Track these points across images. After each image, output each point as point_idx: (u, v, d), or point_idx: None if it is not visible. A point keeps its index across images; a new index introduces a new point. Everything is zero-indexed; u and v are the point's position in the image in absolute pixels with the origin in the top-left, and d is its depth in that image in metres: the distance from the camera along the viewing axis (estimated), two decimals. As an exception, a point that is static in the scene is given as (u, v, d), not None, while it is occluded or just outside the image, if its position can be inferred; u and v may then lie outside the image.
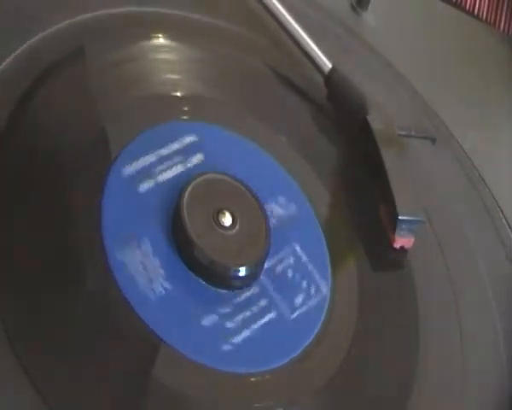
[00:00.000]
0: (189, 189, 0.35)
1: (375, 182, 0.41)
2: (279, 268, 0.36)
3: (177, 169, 0.36)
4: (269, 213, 0.37)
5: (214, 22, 0.44)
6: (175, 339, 0.32)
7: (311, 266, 0.37)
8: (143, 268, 0.33)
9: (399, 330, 0.38)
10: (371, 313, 0.37)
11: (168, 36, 0.41)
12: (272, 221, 0.37)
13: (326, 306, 0.36)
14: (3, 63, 0.35)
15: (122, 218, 0.34)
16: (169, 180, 0.36)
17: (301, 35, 0.44)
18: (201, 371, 0.32)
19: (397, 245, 0.39)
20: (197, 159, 0.37)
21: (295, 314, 0.35)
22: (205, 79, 0.41)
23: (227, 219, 0.35)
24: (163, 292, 0.33)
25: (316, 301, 0.36)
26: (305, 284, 0.36)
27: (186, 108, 0.39)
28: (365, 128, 0.42)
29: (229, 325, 0.34)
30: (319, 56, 0.44)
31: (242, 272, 0.34)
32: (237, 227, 0.35)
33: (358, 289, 0.38)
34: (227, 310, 0.34)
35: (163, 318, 0.32)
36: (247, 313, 0.34)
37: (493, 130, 0.52)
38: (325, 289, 0.37)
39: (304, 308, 0.36)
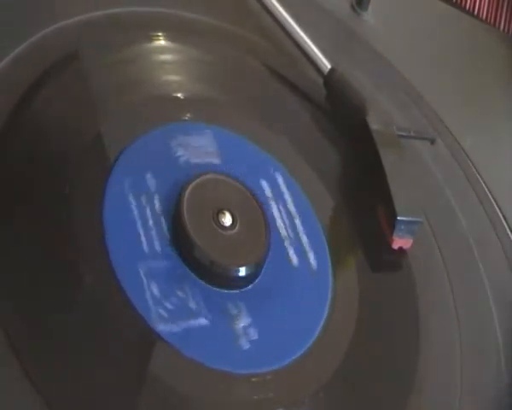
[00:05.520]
0: (190, 189, 0.35)
1: (374, 182, 0.41)
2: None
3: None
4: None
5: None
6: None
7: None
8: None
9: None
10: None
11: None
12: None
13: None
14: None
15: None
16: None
17: (301, 35, 0.44)
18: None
19: (395, 246, 0.39)
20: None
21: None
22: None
23: (227, 219, 0.35)
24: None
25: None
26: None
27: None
28: (364, 129, 0.42)
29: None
30: (318, 57, 0.44)
31: (242, 272, 0.34)
32: (237, 227, 0.35)
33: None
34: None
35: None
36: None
37: (493, 130, 0.52)
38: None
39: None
